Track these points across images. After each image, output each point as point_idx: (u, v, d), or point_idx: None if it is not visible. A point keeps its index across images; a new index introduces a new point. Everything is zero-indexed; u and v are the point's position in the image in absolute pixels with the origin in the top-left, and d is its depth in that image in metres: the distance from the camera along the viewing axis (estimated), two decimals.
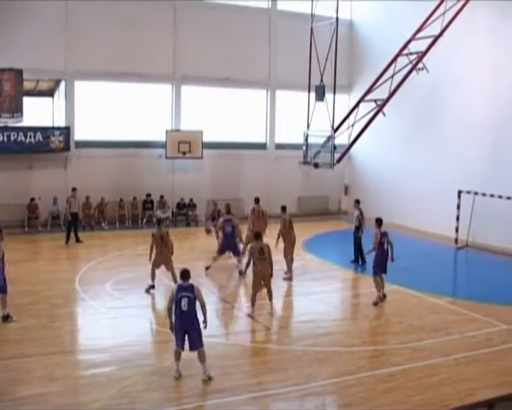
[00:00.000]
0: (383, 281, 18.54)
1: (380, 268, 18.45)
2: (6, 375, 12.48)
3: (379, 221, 18.57)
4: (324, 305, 18.35)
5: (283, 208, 22.14)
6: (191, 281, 12.61)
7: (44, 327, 15.53)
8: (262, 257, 16.93)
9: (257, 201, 23.85)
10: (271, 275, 17.25)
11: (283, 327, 16.74)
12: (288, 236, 21.54)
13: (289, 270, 21.14)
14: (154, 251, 19.09)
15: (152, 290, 18.95)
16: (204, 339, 12.54)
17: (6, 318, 15.69)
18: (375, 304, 18.15)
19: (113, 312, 17.17)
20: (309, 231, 29.01)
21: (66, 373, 12.71)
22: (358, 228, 23.18)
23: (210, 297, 18.98)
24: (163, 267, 19.15)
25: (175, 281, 18.30)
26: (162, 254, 19.07)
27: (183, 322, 12.40)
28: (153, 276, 19.01)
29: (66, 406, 11.21)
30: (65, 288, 19.40)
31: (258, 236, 17.33)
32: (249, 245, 17.64)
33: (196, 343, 12.47)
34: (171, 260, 19.15)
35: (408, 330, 16.10)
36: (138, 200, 31.39)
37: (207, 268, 21.42)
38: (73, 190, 27.12)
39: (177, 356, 12.57)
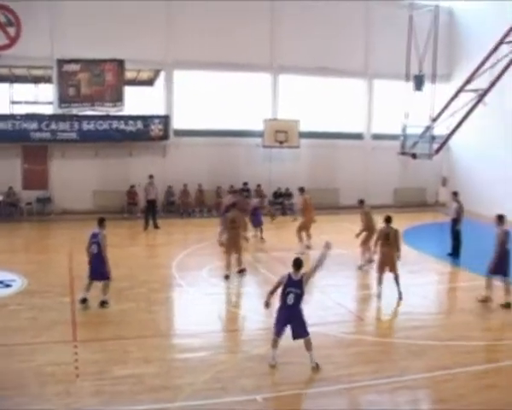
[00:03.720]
0: (509, 284, 16.99)
1: (498, 269, 16.87)
2: (105, 355, 12.89)
3: (501, 218, 17.07)
4: (420, 298, 18.02)
5: (361, 201, 21.91)
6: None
7: (142, 311, 15.93)
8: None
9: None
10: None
11: (377, 318, 16.62)
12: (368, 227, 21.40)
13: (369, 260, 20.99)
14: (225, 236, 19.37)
15: (227, 280, 18.94)
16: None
17: (103, 303, 16.06)
18: (506, 306, 16.77)
19: (208, 298, 17.39)
20: (406, 223, 28.58)
21: (161, 356, 13.02)
22: (456, 221, 22.68)
23: None
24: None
25: (238, 264, 19.30)
26: (232, 239, 19.21)
27: (287, 315, 12.43)
28: (228, 264, 19.15)
29: (160, 387, 11.47)
30: (162, 273, 19.85)
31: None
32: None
33: (300, 333, 12.52)
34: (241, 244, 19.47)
35: (506, 327, 15.67)
36: (235, 188, 31.71)
37: None
38: (150, 177, 27.79)
39: (274, 344, 12.57)
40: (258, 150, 32.31)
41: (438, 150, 25.50)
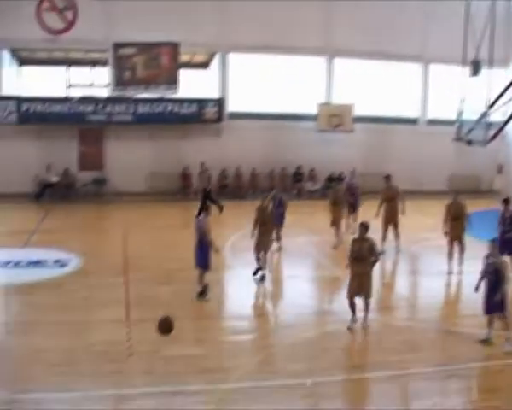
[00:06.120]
0: None
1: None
2: (157, 335, 13.00)
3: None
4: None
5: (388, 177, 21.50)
6: None
7: (193, 292, 15.78)
8: None
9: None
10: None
11: (429, 304, 16.35)
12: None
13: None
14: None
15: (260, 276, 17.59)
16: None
17: (201, 293, 15.64)
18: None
19: (256, 281, 17.31)
20: None
21: (212, 337, 13.16)
22: None
23: None
24: None
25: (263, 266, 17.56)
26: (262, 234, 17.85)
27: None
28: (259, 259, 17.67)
29: (211, 368, 11.56)
30: (214, 255, 19.84)
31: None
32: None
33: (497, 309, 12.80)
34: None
35: None
36: (288, 172, 31.67)
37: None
38: (202, 164, 27.61)
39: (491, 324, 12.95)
40: (311, 134, 32.17)
41: (493, 137, 24.87)
